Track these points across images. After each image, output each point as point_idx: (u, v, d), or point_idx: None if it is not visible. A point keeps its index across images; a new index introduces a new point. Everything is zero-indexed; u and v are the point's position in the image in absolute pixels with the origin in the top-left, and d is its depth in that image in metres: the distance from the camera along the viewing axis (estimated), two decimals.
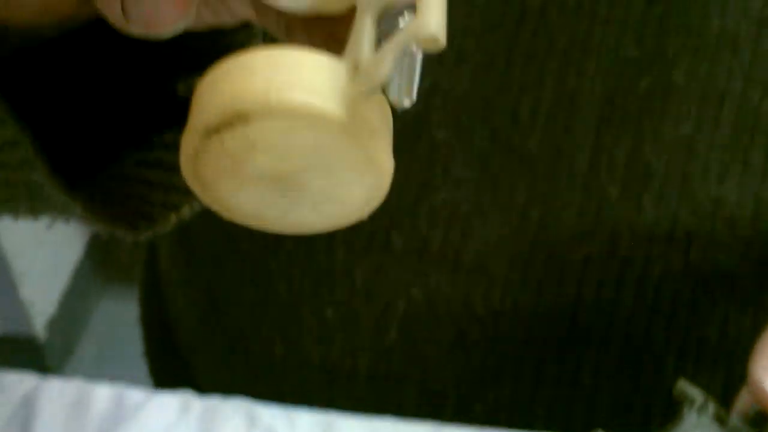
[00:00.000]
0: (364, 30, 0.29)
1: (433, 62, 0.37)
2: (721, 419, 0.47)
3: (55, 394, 0.65)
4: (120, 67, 0.45)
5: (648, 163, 0.58)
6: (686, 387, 0.48)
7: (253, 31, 0.44)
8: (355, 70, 0.28)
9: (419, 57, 0.27)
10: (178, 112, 0.45)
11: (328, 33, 0.35)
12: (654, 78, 0.57)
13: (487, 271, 0.63)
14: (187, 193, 0.44)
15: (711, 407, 0.47)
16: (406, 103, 0.28)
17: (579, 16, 0.56)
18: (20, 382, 0.66)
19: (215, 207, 0.32)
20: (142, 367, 0.88)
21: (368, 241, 0.64)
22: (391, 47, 0.27)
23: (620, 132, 0.58)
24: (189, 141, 0.29)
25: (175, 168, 0.44)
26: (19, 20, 0.37)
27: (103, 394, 0.65)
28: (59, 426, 0.63)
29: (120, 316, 1.96)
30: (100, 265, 2.08)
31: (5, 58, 0.41)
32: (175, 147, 0.45)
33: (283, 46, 0.29)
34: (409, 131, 0.59)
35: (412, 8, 0.28)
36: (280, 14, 0.36)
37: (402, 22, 0.28)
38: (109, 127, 0.47)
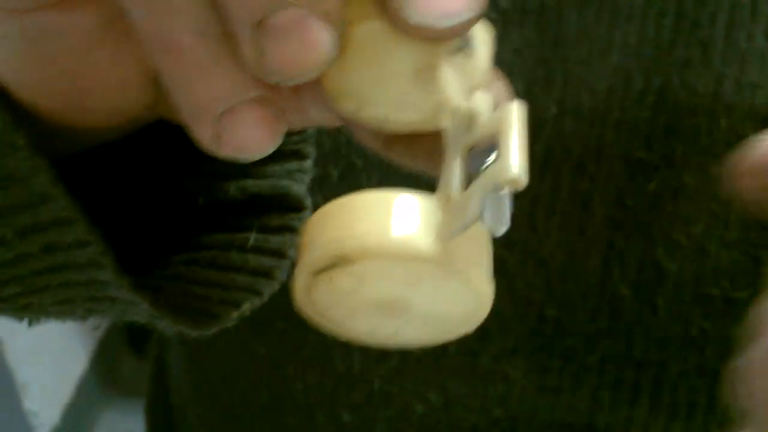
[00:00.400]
0: (454, 167, 0.31)
1: None
2: None
3: None
4: (173, 167, 0.46)
5: (660, 264, 0.60)
6: None
7: (305, 135, 0.45)
8: (447, 205, 0.31)
9: (506, 193, 0.30)
10: (228, 213, 0.46)
11: (430, 147, 0.36)
12: (663, 179, 0.58)
13: (505, 374, 0.64)
14: (246, 291, 0.47)
15: None
16: (501, 231, 0.30)
17: (591, 123, 0.58)
18: None
19: (330, 330, 0.34)
20: None
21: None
22: (479, 187, 0.29)
23: (631, 234, 0.59)
24: (300, 278, 0.32)
25: (229, 267, 0.46)
26: (88, 123, 0.38)
27: None
28: None
29: (123, 429, 1.95)
30: (104, 377, 2.08)
31: (72, 158, 0.42)
32: (226, 247, 0.47)
33: (381, 190, 0.31)
34: None
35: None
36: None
37: (489, 160, 0.30)
38: (160, 225, 0.48)
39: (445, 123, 0.32)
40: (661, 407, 0.63)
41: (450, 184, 0.31)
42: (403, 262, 0.30)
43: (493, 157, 0.30)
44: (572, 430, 0.64)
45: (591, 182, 0.59)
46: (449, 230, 0.30)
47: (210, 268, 0.47)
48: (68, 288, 0.42)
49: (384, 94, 0.34)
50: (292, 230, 0.47)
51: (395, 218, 0.30)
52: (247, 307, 0.47)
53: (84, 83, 0.36)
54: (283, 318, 0.65)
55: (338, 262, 0.30)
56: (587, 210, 0.59)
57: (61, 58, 0.35)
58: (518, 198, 0.59)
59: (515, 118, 0.30)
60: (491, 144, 0.30)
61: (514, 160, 0.29)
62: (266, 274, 0.47)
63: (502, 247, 0.61)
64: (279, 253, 0.46)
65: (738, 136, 0.56)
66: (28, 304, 0.43)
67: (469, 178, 0.30)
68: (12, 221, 0.38)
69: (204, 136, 0.33)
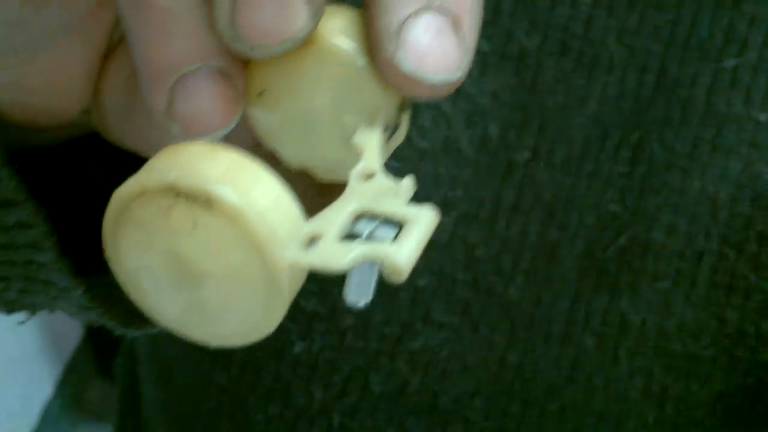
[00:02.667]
0: (341, 213, 0.30)
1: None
2: None
3: None
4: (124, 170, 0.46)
5: (624, 315, 0.60)
6: None
7: None
8: (311, 239, 0.29)
9: (380, 272, 0.29)
10: None
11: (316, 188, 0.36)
12: (633, 234, 0.58)
13: (464, 417, 0.64)
14: None
15: None
16: (360, 304, 0.29)
17: (565, 172, 0.58)
18: None
19: (123, 285, 0.31)
20: None
21: (346, 382, 0.64)
22: (359, 249, 0.28)
23: (598, 284, 0.60)
24: (117, 201, 0.29)
25: None
26: (24, 121, 0.38)
27: None
28: None
29: None
30: (70, 402, 2.07)
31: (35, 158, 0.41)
32: None
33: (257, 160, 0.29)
34: None
35: (392, 223, 0.30)
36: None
37: (380, 231, 0.29)
38: None
39: (352, 180, 0.31)
40: None
41: (329, 223, 0.29)
42: (244, 243, 0.27)
43: (384, 231, 0.29)
44: None
45: (560, 231, 0.59)
46: (300, 261, 0.28)
47: None
48: (4, 266, 0.41)
49: (307, 123, 0.33)
50: None
51: (267, 198, 0.28)
52: None
53: (30, 80, 0.36)
54: (245, 350, 0.65)
55: (176, 193, 0.27)
56: (555, 258, 0.60)
57: (11, 55, 0.35)
58: (486, 241, 0.61)
59: (428, 222, 0.30)
60: (386, 219, 0.30)
61: (409, 254, 0.28)
62: None
63: (467, 289, 0.61)
64: None
65: (710, 198, 0.57)
66: None
67: (349, 228, 0.30)
68: None
69: (156, 102, 0.31)
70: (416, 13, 0.30)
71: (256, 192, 0.28)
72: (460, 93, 0.57)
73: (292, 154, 0.35)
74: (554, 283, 0.60)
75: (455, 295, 0.61)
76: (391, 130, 0.33)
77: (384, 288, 0.61)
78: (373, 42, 0.31)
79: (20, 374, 1.89)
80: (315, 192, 0.36)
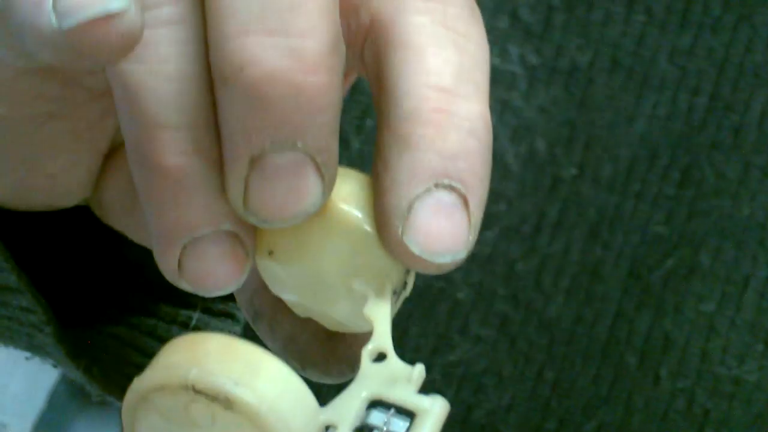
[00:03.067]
0: (354, 401, 0.31)
1: None
2: None
3: None
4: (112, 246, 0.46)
5: (668, 336, 0.59)
6: None
7: None
8: (327, 428, 0.30)
9: None
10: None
11: (290, 334, 0.37)
12: (680, 257, 0.58)
13: (496, 428, 0.63)
14: None
15: None
16: None
17: (611, 191, 0.57)
18: None
19: None
20: None
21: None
22: None
23: (642, 304, 0.59)
24: (137, 390, 0.30)
25: (167, 340, 0.46)
26: (24, 209, 0.39)
27: None
28: None
29: None
30: (76, 388, 2.07)
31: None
32: (169, 320, 0.46)
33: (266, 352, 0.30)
34: (430, 290, 0.60)
35: (404, 413, 0.31)
36: (254, 295, 0.37)
37: (392, 424, 0.30)
38: (104, 282, 0.48)
39: (364, 358, 0.32)
40: None
41: (342, 416, 0.30)
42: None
43: (396, 424, 0.30)
44: None
45: (604, 250, 0.58)
46: None
47: (149, 336, 0.46)
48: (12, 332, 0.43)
49: (316, 284, 0.34)
50: (233, 318, 0.46)
51: (284, 396, 0.29)
52: None
53: (33, 182, 0.37)
54: None
55: (196, 392, 0.29)
56: (598, 277, 0.59)
57: (18, 164, 0.36)
58: (528, 256, 0.60)
59: (439, 414, 0.31)
60: (398, 410, 0.31)
61: None
62: None
63: (507, 304, 0.60)
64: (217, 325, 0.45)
65: (758, 224, 0.57)
66: None
67: (362, 418, 0.31)
68: None
69: (167, 261, 0.32)
70: (426, 191, 0.31)
71: (273, 390, 0.29)
72: (507, 106, 0.57)
73: (300, 307, 0.35)
74: (596, 301, 0.59)
75: (494, 309, 0.60)
76: (399, 291, 0.34)
77: (421, 300, 0.60)
78: (381, 218, 0.31)
79: (27, 359, 1.89)
80: (323, 337, 0.37)
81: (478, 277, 0.59)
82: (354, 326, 0.35)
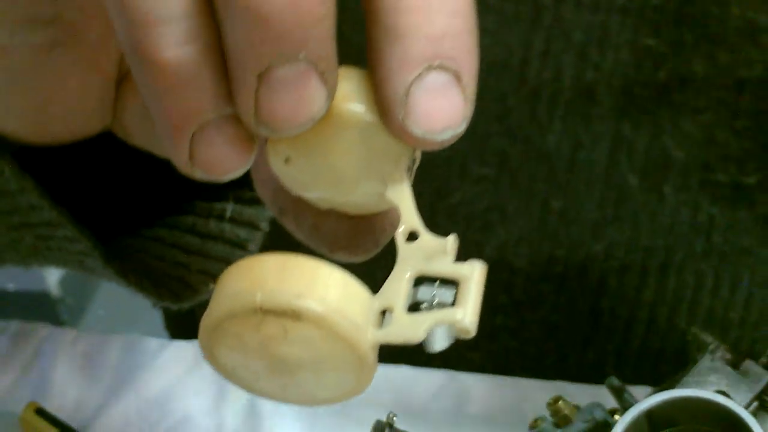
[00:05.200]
0: (401, 282, 0.33)
1: None
2: (734, 364, 0.48)
3: (69, 344, 0.66)
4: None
5: (667, 151, 0.59)
6: (699, 333, 0.49)
7: None
8: (384, 311, 0.33)
9: (452, 333, 0.33)
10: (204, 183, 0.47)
11: (314, 223, 0.38)
12: (672, 68, 0.57)
13: (509, 264, 0.64)
14: (222, 261, 0.47)
15: (723, 351, 0.48)
16: (439, 349, 0.33)
17: (594, 9, 0.56)
18: (35, 331, 0.67)
19: (222, 376, 0.35)
20: (156, 323, 0.89)
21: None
22: (430, 319, 0.32)
23: (639, 123, 0.58)
24: (209, 322, 0.32)
25: (208, 235, 0.47)
26: (46, 142, 0.40)
27: (118, 343, 0.66)
28: (75, 373, 0.64)
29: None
30: None
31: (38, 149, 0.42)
32: (205, 215, 0.47)
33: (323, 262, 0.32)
34: None
35: (449, 283, 0.33)
36: (277, 193, 0.38)
37: (440, 295, 0.33)
38: (140, 192, 0.49)
39: (399, 240, 0.35)
40: (667, 291, 0.63)
41: (394, 297, 0.33)
42: (332, 340, 0.32)
43: (443, 294, 0.33)
44: (577, 315, 0.65)
45: (595, 71, 0.57)
46: (381, 338, 0.32)
47: (190, 234, 0.48)
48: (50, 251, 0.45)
49: (334, 179, 0.36)
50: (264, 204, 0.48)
51: (338, 297, 0.32)
52: None
53: (48, 108, 0.38)
54: None
55: (264, 312, 0.31)
56: (592, 100, 0.58)
57: (33, 90, 0.38)
58: (518, 89, 0.59)
59: (479, 277, 0.34)
60: (442, 280, 0.34)
61: (472, 315, 0.32)
62: (241, 245, 0.47)
63: (503, 139, 0.60)
64: (253, 225, 0.46)
65: (749, 24, 0.55)
66: None
67: (413, 296, 0.33)
68: None
69: (179, 153, 0.33)
70: (420, 76, 0.32)
71: (331, 294, 0.31)
72: None
73: (322, 200, 0.37)
74: (593, 125, 0.59)
75: (490, 147, 0.60)
76: (411, 167, 0.36)
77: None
78: (382, 108, 0.33)
79: None
80: (345, 222, 0.38)
81: (471, 116, 0.59)
82: (374, 207, 0.37)
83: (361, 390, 0.34)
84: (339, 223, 0.38)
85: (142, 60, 0.31)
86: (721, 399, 0.44)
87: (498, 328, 0.66)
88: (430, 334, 0.32)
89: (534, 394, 0.62)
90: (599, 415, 0.49)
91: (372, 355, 0.32)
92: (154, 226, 0.47)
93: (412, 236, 0.35)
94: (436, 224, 0.62)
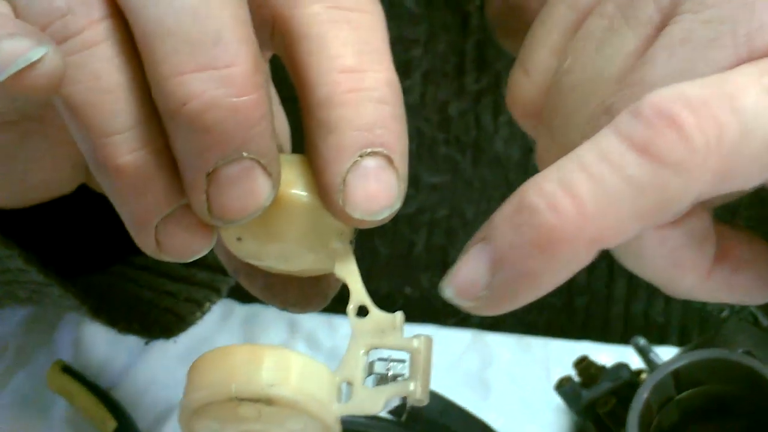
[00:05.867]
0: (356, 356, 0.37)
1: None
2: (757, 323, 0.48)
3: None
4: None
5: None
6: None
7: None
8: (339, 387, 0.37)
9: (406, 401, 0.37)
10: None
11: (264, 284, 0.42)
12: None
13: None
14: (206, 287, 0.51)
15: (747, 311, 0.48)
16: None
17: None
18: None
19: None
20: None
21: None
22: (386, 393, 0.37)
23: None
24: (189, 407, 0.36)
25: (192, 263, 0.48)
26: (21, 206, 0.43)
27: None
28: (102, 332, 0.63)
29: None
30: None
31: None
32: None
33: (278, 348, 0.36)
34: None
35: (400, 356, 0.37)
36: (229, 255, 0.41)
37: (395, 368, 0.37)
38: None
39: (351, 316, 0.38)
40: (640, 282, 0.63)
41: (352, 370, 0.37)
42: (309, 420, 0.36)
43: (395, 367, 0.37)
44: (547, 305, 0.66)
45: None
46: (349, 412, 0.36)
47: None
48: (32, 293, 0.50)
49: (282, 254, 0.39)
50: None
51: (306, 378, 0.36)
52: (208, 306, 0.51)
53: (26, 183, 0.42)
54: None
55: (240, 399, 0.35)
56: None
57: (12, 174, 0.41)
58: (458, 96, 0.59)
59: (427, 350, 0.37)
60: (392, 352, 0.37)
61: (423, 387, 0.37)
62: (222, 270, 0.49)
63: (451, 147, 0.60)
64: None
65: None
66: None
67: (369, 370, 0.37)
68: None
69: (146, 244, 0.36)
70: (354, 164, 0.35)
71: (299, 379, 0.35)
72: None
73: (272, 268, 0.40)
74: None
75: (439, 156, 0.61)
76: (353, 240, 0.39)
77: None
78: (323, 195, 0.36)
79: None
80: (295, 281, 0.42)
81: (414, 124, 0.58)
82: (320, 271, 0.40)
83: None
84: (289, 284, 0.42)
85: (101, 166, 0.35)
86: (747, 360, 0.43)
87: (474, 324, 0.66)
88: (388, 405, 0.37)
89: (560, 355, 0.62)
90: (625, 375, 0.49)
91: (337, 426, 0.36)
92: (142, 252, 0.50)
93: (362, 311, 0.38)
94: (399, 233, 0.64)
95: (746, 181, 0.32)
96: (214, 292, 0.51)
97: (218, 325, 0.64)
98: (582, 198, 0.31)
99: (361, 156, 0.35)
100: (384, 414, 0.38)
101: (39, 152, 0.41)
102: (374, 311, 0.38)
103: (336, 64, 0.36)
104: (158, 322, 0.52)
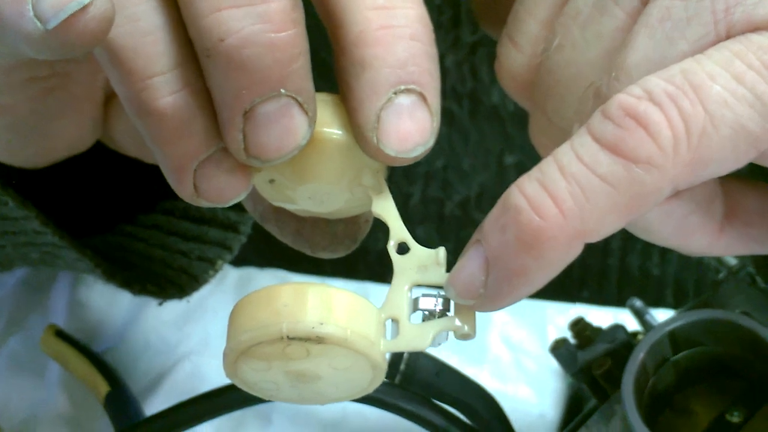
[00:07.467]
0: (401, 293, 0.37)
1: None
2: (754, 284, 0.48)
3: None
4: None
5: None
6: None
7: None
8: (385, 324, 0.37)
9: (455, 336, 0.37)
10: None
11: (295, 229, 0.42)
12: None
13: (471, 217, 0.64)
14: (218, 246, 0.51)
15: (745, 271, 0.48)
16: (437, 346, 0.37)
17: None
18: None
19: (241, 386, 0.38)
20: None
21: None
22: (434, 327, 0.36)
23: None
24: (236, 348, 0.36)
25: (202, 219, 0.50)
26: (41, 165, 0.44)
27: None
28: (95, 296, 0.64)
29: None
30: None
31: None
32: None
33: (324, 286, 0.36)
34: None
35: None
36: (257, 201, 0.42)
37: (440, 304, 0.37)
38: (133, 182, 0.52)
39: (393, 253, 0.38)
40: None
41: (398, 308, 0.37)
42: (358, 358, 0.36)
43: (440, 303, 0.37)
44: None
45: None
46: (396, 348, 0.36)
47: (185, 219, 0.51)
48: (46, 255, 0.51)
49: (317, 196, 0.39)
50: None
51: (354, 315, 0.36)
52: (220, 265, 0.51)
53: (48, 141, 0.42)
54: None
55: (290, 339, 0.35)
56: None
57: (35, 132, 0.41)
58: (454, 48, 0.59)
59: None
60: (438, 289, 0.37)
61: (469, 321, 0.37)
62: (233, 228, 0.50)
63: (448, 99, 0.60)
64: (242, 207, 0.46)
65: None
66: None
67: (413, 306, 0.37)
68: None
69: (184, 189, 0.36)
70: (388, 101, 0.35)
71: (347, 316, 0.35)
72: None
73: (302, 211, 0.41)
74: None
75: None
76: (389, 177, 0.39)
77: None
78: (357, 133, 0.36)
79: None
80: (324, 224, 0.42)
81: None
82: (352, 212, 0.41)
83: (371, 390, 0.38)
84: (319, 228, 0.42)
85: (140, 110, 0.35)
86: (745, 320, 0.43)
87: None
88: (437, 340, 0.37)
89: (556, 317, 0.62)
90: (621, 336, 0.49)
91: (384, 363, 0.36)
92: (151, 212, 0.50)
93: (403, 248, 0.38)
94: (396, 183, 0.63)
95: (723, 167, 0.33)
96: (226, 250, 0.51)
97: (212, 288, 0.64)
98: (561, 198, 0.33)
99: (395, 93, 0.36)
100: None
101: (62, 109, 0.41)
102: (416, 247, 0.38)
103: (366, 1, 0.36)
104: (172, 282, 0.52)
